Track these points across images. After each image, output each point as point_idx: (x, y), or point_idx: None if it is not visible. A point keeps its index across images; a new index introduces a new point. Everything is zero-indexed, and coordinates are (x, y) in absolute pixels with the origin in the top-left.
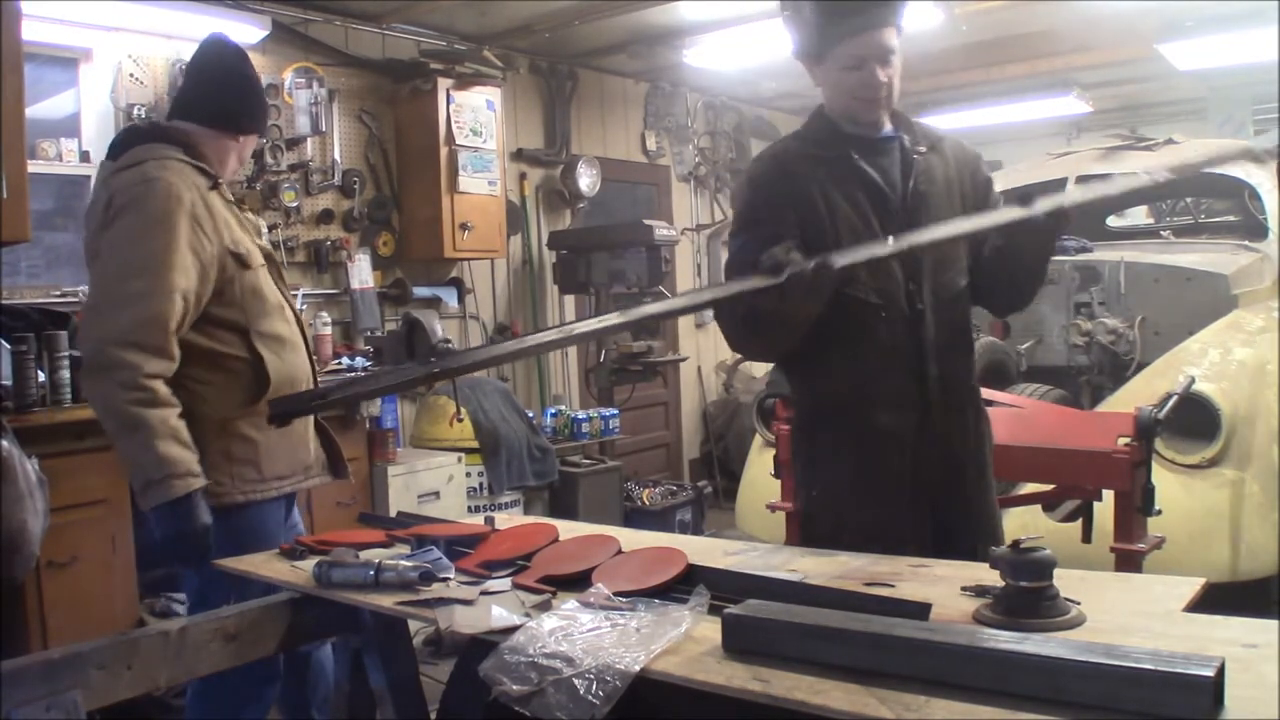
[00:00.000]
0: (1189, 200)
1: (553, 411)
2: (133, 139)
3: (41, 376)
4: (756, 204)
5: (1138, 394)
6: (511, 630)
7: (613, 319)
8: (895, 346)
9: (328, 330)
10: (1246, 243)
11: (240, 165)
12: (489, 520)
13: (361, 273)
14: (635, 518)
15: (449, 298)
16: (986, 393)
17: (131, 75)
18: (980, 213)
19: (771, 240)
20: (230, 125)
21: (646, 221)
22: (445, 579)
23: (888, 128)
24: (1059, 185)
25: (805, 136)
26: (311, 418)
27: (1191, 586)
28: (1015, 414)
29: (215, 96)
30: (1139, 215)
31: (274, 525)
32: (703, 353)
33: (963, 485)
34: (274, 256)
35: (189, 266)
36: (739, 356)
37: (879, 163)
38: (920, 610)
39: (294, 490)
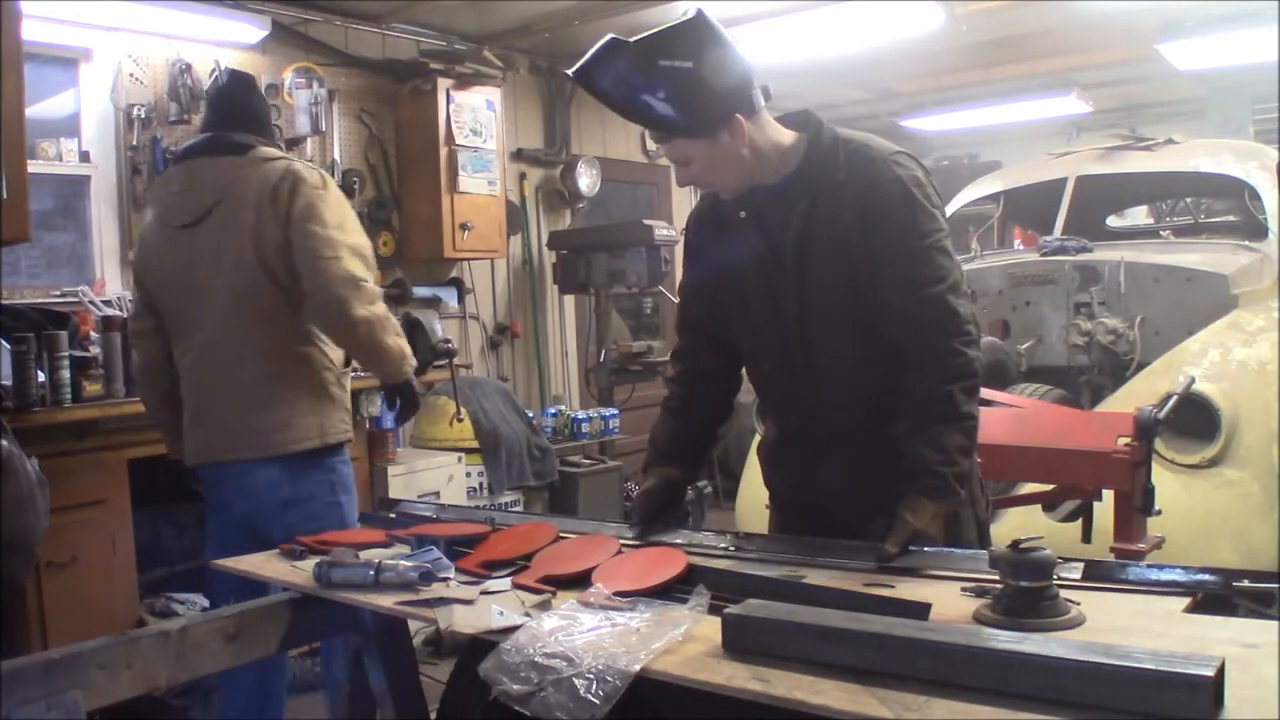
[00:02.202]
0: (1189, 200)
1: (553, 411)
2: (245, 141)
3: (41, 376)
4: (685, 251)
5: (1138, 394)
6: (511, 630)
7: None
8: (783, 396)
9: None
10: (1246, 243)
11: None
12: (489, 520)
13: None
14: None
15: (449, 298)
16: (987, 393)
17: (131, 75)
18: (885, 259)
19: (685, 294)
20: (268, 135)
21: (646, 221)
22: (445, 579)
23: (788, 169)
24: (1058, 186)
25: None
26: None
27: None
28: (1015, 414)
29: (268, 118)
30: (1139, 215)
31: None
32: None
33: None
34: None
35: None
36: None
37: (766, 219)
38: (920, 610)
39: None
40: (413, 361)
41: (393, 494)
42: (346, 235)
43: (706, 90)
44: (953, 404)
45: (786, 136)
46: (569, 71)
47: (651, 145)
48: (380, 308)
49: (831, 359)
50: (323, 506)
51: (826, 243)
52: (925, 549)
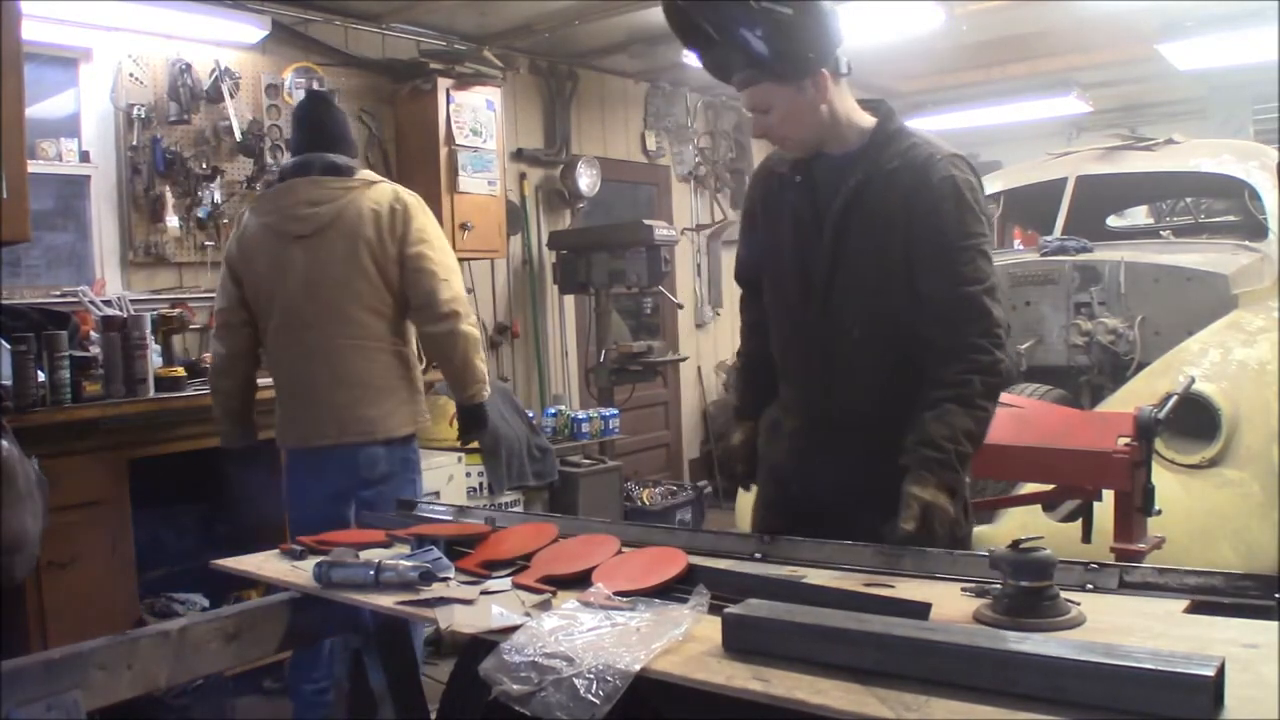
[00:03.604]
0: (1189, 200)
1: (553, 411)
2: (347, 165)
3: (41, 376)
4: (742, 215)
5: (1138, 394)
6: (511, 630)
7: None
8: (795, 363)
9: None
10: (1246, 243)
11: None
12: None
13: None
14: (635, 518)
15: None
16: None
17: (131, 75)
18: (917, 255)
19: (740, 258)
20: (352, 153)
21: (646, 221)
22: (445, 579)
23: (851, 146)
24: (1058, 186)
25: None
26: None
27: None
28: (1015, 414)
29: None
30: (1139, 215)
31: None
32: (703, 353)
33: (843, 507)
34: None
35: None
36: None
37: (819, 185)
38: (920, 610)
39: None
40: (488, 388)
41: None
42: (449, 258)
43: (802, 38)
44: (970, 390)
45: (860, 115)
46: (678, 5)
47: (651, 145)
48: (475, 330)
49: (847, 334)
50: (405, 482)
51: (868, 223)
52: (927, 550)
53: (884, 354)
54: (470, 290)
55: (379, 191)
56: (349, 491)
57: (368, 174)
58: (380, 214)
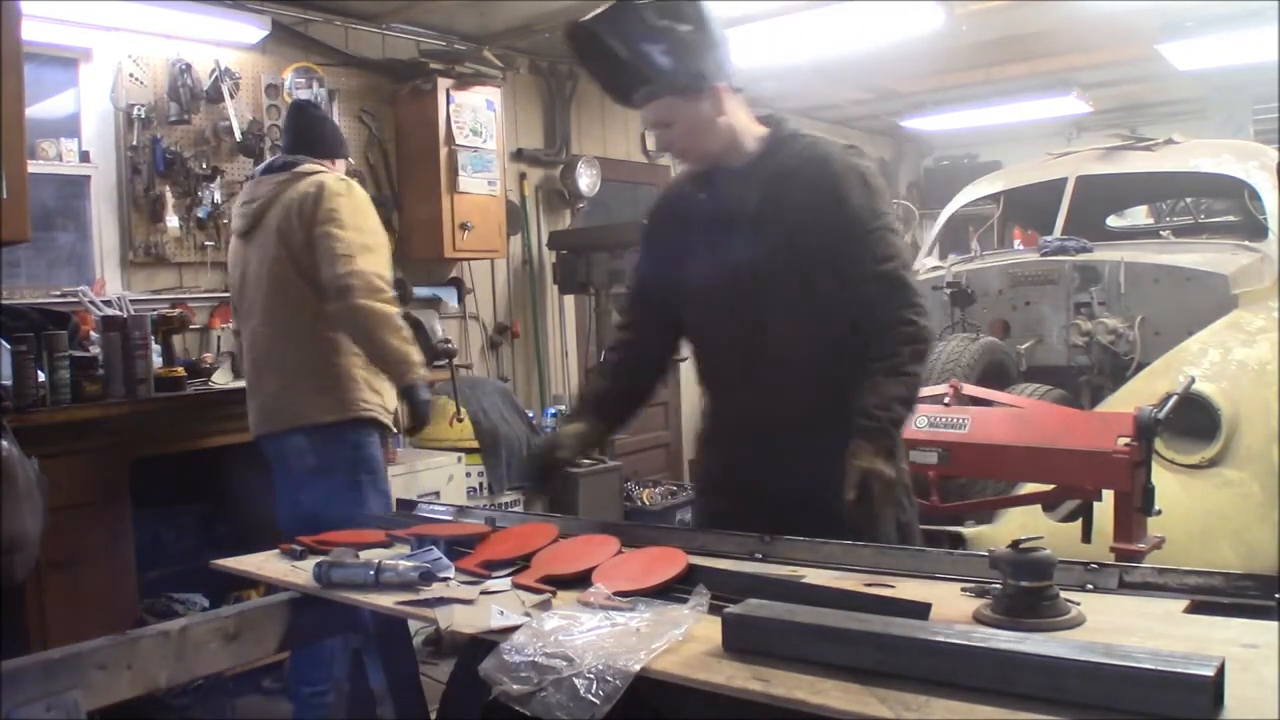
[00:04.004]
0: (1189, 200)
1: (553, 411)
2: (292, 160)
3: (41, 376)
4: (643, 232)
5: (1138, 394)
6: (511, 630)
7: None
8: (728, 371)
9: None
10: (1246, 243)
11: None
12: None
13: None
14: (635, 518)
15: (449, 298)
16: (987, 393)
17: (131, 75)
18: (833, 242)
19: (641, 276)
20: (333, 153)
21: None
22: (445, 579)
23: (750, 155)
24: (1058, 186)
25: (682, 174)
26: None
27: None
28: (1015, 414)
29: (329, 131)
30: (1139, 215)
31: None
32: None
33: (800, 512)
34: None
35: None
36: None
37: (726, 197)
38: (920, 610)
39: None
40: (419, 371)
41: (393, 495)
42: (364, 236)
43: (700, 53)
44: (899, 360)
45: (754, 125)
46: (579, 23)
47: (651, 145)
48: (382, 306)
49: (780, 336)
50: (342, 481)
51: (782, 222)
52: (927, 550)
53: (820, 347)
54: (470, 290)
55: (307, 181)
56: (296, 483)
57: (309, 166)
58: (296, 202)
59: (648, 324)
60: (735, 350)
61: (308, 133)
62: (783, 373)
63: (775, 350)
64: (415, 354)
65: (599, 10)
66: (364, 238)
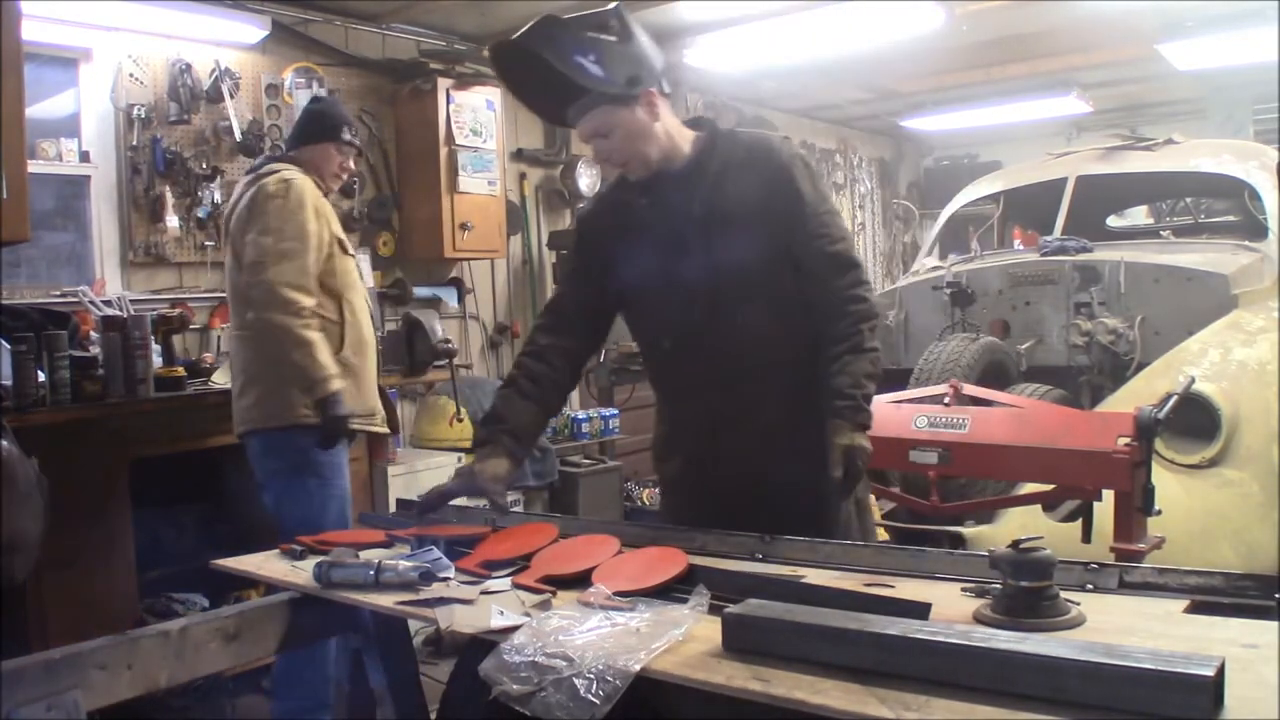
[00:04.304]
0: (1189, 200)
1: None
2: (267, 161)
3: (41, 376)
4: (575, 245)
5: (1138, 394)
6: (511, 630)
7: None
8: (687, 373)
9: None
10: (1246, 243)
11: (341, 172)
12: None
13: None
14: (635, 518)
15: (449, 298)
16: (987, 393)
17: (131, 75)
18: (787, 228)
19: (573, 278)
20: (312, 139)
21: None
22: (445, 579)
23: (688, 158)
24: (1058, 186)
25: (618, 181)
26: (376, 373)
27: None
28: (1015, 414)
29: (304, 121)
30: (1139, 215)
31: (344, 452)
32: None
33: (765, 504)
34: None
35: (320, 233)
36: None
37: (669, 202)
38: (920, 610)
39: (364, 430)
40: (326, 385)
41: (393, 494)
42: (281, 241)
43: (630, 61)
44: (860, 338)
45: (686, 130)
46: (504, 43)
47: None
48: (282, 320)
49: (743, 328)
50: (291, 485)
51: (731, 218)
52: (927, 550)
53: (778, 335)
54: (470, 290)
55: (256, 185)
56: (259, 485)
57: (272, 168)
58: (243, 207)
59: (571, 324)
60: (694, 349)
61: (295, 127)
62: (745, 365)
63: (737, 344)
64: (318, 368)
65: (529, 26)
66: (283, 243)
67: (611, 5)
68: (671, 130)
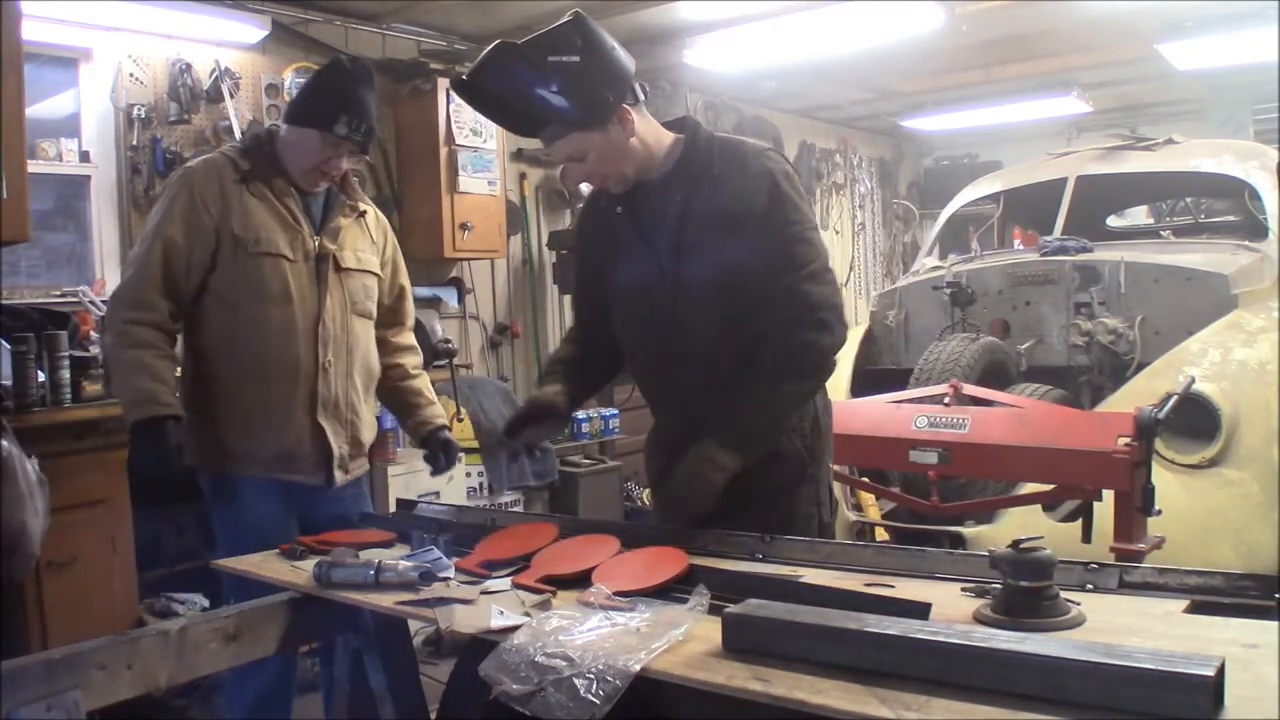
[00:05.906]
0: (1189, 200)
1: None
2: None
3: (41, 376)
4: (575, 252)
5: (1138, 394)
6: (511, 630)
7: None
8: (660, 381)
9: None
10: (1246, 243)
11: (325, 170)
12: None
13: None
14: (635, 518)
15: (449, 298)
16: (987, 393)
17: (131, 75)
18: (768, 234)
19: (579, 283)
20: (299, 120)
21: None
22: (445, 579)
23: (667, 167)
24: (1058, 186)
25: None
26: (308, 412)
27: None
28: (1015, 414)
29: (301, 93)
30: (1139, 215)
31: (254, 500)
32: None
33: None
34: (331, 258)
35: (177, 234)
36: None
37: (644, 212)
38: (920, 610)
39: (278, 477)
40: (142, 409)
41: (393, 494)
42: (142, 238)
43: (595, 81)
44: (780, 380)
45: (667, 136)
46: (462, 78)
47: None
48: (106, 336)
49: (700, 346)
50: (217, 522)
51: (700, 233)
52: (927, 550)
53: (749, 343)
54: (470, 290)
55: None
56: None
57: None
58: None
59: (593, 331)
60: (664, 358)
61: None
62: (709, 380)
63: (708, 353)
64: (132, 391)
65: (482, 58)
66: (140, 241)
67: (569, 18)
68: (649, 140)
